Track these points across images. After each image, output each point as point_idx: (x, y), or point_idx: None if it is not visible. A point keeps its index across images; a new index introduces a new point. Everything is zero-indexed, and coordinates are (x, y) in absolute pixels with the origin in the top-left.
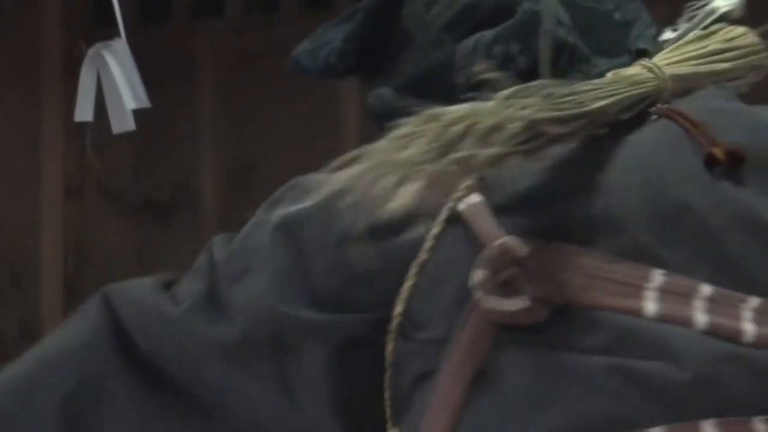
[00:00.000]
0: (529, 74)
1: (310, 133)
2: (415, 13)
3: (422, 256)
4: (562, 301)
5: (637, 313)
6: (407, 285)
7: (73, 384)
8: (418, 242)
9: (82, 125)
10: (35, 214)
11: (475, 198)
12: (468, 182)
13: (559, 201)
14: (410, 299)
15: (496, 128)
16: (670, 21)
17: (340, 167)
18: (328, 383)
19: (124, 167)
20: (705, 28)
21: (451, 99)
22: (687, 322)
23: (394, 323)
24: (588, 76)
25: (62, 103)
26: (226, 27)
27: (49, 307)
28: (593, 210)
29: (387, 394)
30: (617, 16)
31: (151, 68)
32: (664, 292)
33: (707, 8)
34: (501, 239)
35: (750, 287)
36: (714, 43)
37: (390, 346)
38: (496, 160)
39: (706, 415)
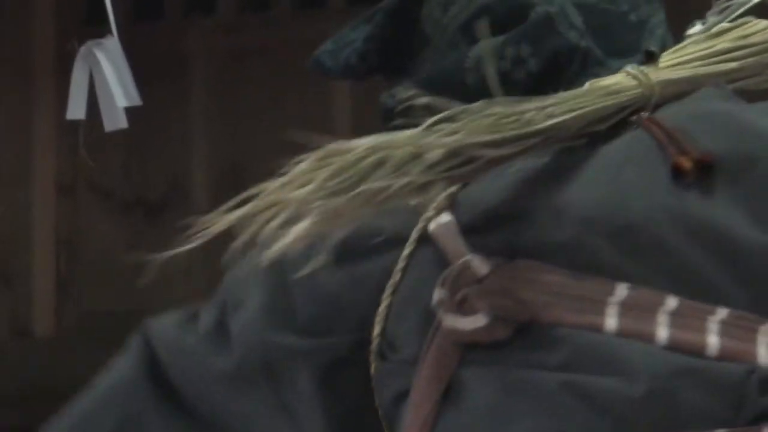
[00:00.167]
0: (541, 76)
1: (302, 132)
2: (432, 14)
3: (395, 277)
4: (524, 319)
5: (598, 329)
6: (382, 307)
7: (119, 420)
8: (392, 264)
9: (75, 123)
10: (27, 211)
11: (446, 217)
12: (439, 201)
13: (524, 217)
14: (386, 321)
15: (413, 158)
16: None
17: (236, 206)
18: (322, 405)
19: (116, 165)
20: (734, 20)
21: (465, 99)
22: (648, 337)
23: (373, 345)
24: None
25: (54, 101)
26: (218, 26)
27: (41, 304)
28: (557, 226)
29: (380, 413)
30: (632, 17)
31: (143, 67)
32: (626, 306)
33: None
34: (463, 258)
35: (717, 299)
36: (723, 42)
37: (372, 367)
38: (414, 191)
39: (658, 431)
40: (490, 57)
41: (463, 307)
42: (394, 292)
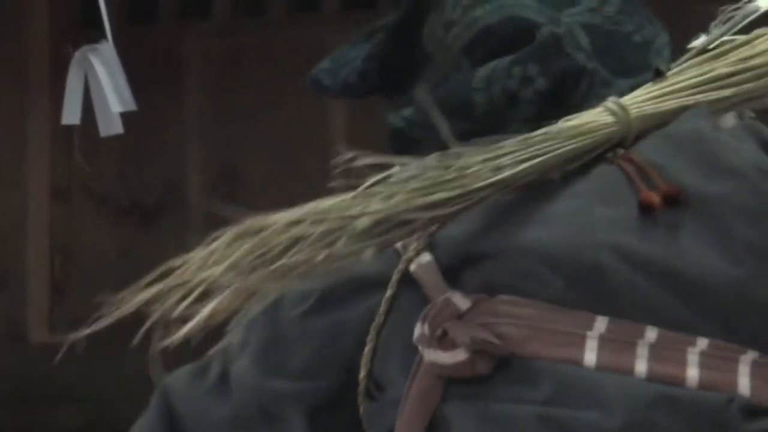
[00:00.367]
0: (549, 95)
1: (298, 136)
2: (434, 33)
3: (379, 319)
4: (504, 353)
5: (578, 363)
6: (367, 349)
7: None
8: (376, 306)
9: (69, 128)
10: (22, 216)
11: (426, 257)
12: (419, 242)
13: (496, 256)
14: (372, 362)
15: (339, 227)
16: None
17: (149, 285)
18: None
19: (111, 170)
20: (741, 31)
21: (472, 120)
22: (627, 370)
23: (361, 386)
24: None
25: (49, 106)
26: (214, 29)
27: (36, 308)
28: (531, 262)
29: None
30: (637, 38)
31: (138, 71)
32: (605, 340)
33: (748, 8)
34: (444, 294)
35: (693, 332)
36: (722, 66)
37: (361, 408)
38: (341, 260)
39: None
40: (432, 108)
41: (443, 342)
42: (378, 334)
